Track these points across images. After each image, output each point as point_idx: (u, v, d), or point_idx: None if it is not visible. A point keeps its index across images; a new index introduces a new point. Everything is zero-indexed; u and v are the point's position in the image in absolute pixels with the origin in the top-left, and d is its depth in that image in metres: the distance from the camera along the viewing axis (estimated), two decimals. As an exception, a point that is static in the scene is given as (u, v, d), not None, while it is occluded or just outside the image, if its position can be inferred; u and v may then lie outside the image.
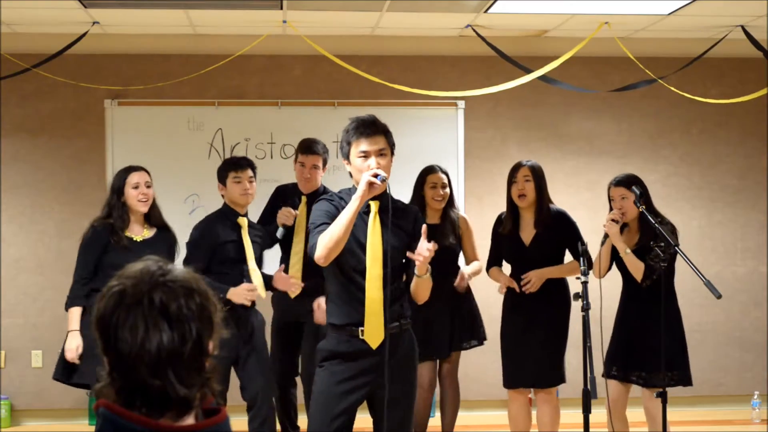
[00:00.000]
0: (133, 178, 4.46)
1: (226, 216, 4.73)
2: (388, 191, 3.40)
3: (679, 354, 4.50)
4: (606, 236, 4.51)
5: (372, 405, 3.53)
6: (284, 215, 4.99)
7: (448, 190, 5.02)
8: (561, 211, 4.81)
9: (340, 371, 3.44)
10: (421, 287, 3.48)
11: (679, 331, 4.53)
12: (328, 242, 3.31)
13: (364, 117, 3.48)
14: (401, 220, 3.50)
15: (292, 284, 4.74)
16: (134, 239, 4.44)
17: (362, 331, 3.42)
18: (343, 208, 3.39)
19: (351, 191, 3.48)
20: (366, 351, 3.42)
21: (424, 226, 3.39)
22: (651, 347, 4.46)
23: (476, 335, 5.06)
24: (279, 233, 4.99)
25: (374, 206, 3.46)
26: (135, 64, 6.35)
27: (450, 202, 5.05)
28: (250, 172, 4.71)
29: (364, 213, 3.45)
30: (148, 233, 4.50)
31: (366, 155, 3.40)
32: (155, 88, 6.17)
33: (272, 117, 6.40)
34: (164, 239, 4.54)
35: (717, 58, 6.31)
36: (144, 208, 4.47)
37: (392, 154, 3.51)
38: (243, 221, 4.72)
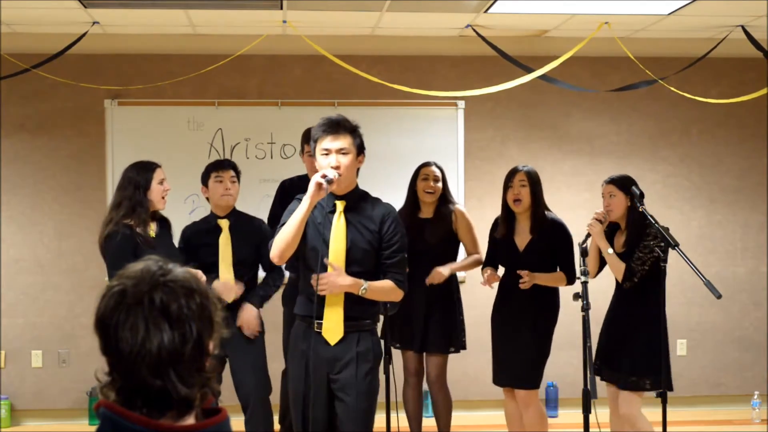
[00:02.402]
0: (159, 174, 4.40)
1: (208, 220, 4.75)
2: (329, 191, 3.45)
3: (656, 358, 4.41)
4: (586, 237, 4.51)
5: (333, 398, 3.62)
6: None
7: (440, 184, 5.01)
8: (559, 222, 4.80)
9: (300, 368, 3.57)
10: (371, 297, 3.56)
11: (656, 336, 4.44)
12: (280, 243, 3.47)
13: (332, 116, 3.57)
14: (367, 219, 3.57)
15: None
16: (151, 235, 4.38)
17: (318, 324, 3.53)
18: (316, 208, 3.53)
19: None
20: (321, 346, 3.53)
21: (332, 262, 3.46)
22: (626, 349, 4.49)
23: (454, 342, 5.03)
24: None
25: (340, 205, 3.55)
26: (135, 64, 6.35)
27: (444, 198, 5.04)
28: (231, 173, 4.68)
29: (330, 212, 3.56)
30: (155, 227, 4.43)
31: (327, 152, 3.50)
32: (155, 88, 6.17)
33: (272, 117, 6.39)
34: (167, 231, 4.52)
35: (717, 58, 6.31)
36: (164, 205, 4.42)
37: (361, 153, 3.58)
38: (224, 223, 4.68)
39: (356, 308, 3.53)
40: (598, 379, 3.92)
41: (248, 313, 4.61)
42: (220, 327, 1.61)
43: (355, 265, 3.50)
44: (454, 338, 5.02)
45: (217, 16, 5.61)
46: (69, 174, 6.38)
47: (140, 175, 4.36)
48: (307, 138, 5.12)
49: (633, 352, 4.44)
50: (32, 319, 6.36)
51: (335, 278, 3.46)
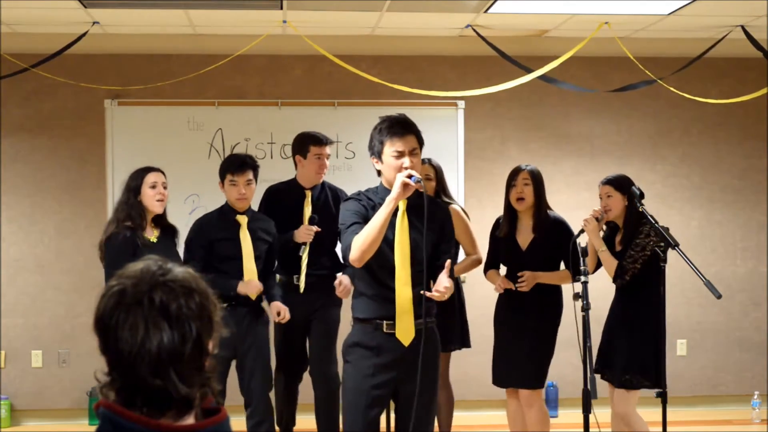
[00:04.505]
0: (151, 177, 4.44)
1: (225, 213, 4.76)
2: (424, 191, 3.41)
3: (649, 357, 4.44)
4: (580, 232, 4.53)
5: (396, 398, 3.59)
6: (305, 233, 4.93)
7: (434, 183, 4.98)
8: (560, 219, 4.81)
9: (365, 366, 3.51)
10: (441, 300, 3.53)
11: (650, 334, 4.46)
12: (362, 244, 3.37)
13: (395, 116, 3.53)
14: (429, 219, 3.50)
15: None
16: (151, 240, 4.43)
17: (388, 324, 3.48)
18: (371, 206, 3.45)
19: (378, 190, 3.55)
20: (389, 344, 3.48)
21: (448, 261, 3.40)
22: (619, 347, 4.52)
23: (455, 339, 5.03)
24: (302, 251, 4.95)
25: (402, 205, 3.49)
26: (135, 64, 6.35)
27: (438, 196, 5.00)
28: (249, 175, 4.70)
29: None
30: (157, 233, 4.49)
31: (400, 154, 3.44)
32: (155, 88, 6.17)
33: (272, 117, 6.39)
34: (171, 239, 4.56)
35: (717, 58, 6.31)
36: (160, 209, 4.46)
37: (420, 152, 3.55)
38: (242, 219, 4.73)
39: (423, 306, 3.51)
40: (598, 378, 3.93)
41: (280, 305, 4.75)
42: (220, 326, 1.61)
43: (419, 266, 3.46)
44: (455, 336, 5.02)
45: (217, 16, 5.61)
46: (69, 174, 6.39)
47: (133, 179, 4.47)
48: (317, 141, 5.10)
49: (626, 351, 4.47)
50: (32, 319, 6.36)
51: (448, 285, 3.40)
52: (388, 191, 3.44)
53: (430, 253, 3.48)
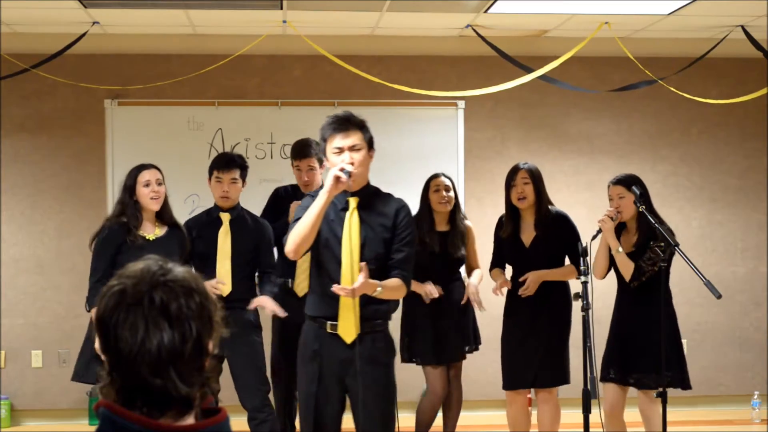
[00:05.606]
0: (144, 176, 4.44)
1: (210, 213, 4.80)
2: (350, 187, 3.41)
3: (673, 356, 4.46)
4: (597, 233, 4.50)
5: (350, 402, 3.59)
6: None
7: (452, 193, 5.01)
8: (562, 214, 4.81)
9: (311, 370, 3.52)
10: (383, 296, 3.48)
11: (672, 333, 4.49)
12: (296, 237, 3.40)
13: (338, 113, 3.54)
14: (381, 215, 3.52)
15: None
16: (147, 238, 4.42)
17: (331, 325, 3.48)
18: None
19: None
20: (332, 346, 3.48)
21: (363, 264, 3.35)
22: (644, 348, 4.47)
23: (477, 341, 5.15)
24: None
25: (353, 202, 3.50)
26: (135, 64, 6.35)
27: (458, 208, 5.03)
28: (234, 173, 4.69)
29: (342, 209, 3.49)
30: (159, 232, 4.48)
31: (340, 151, 3.45)
32: (155, 88, 6.17)
33: (272, 117, 6.40)
34: (176, 237, 4.52)
35: (717, 59, 6.31)
36: (156, 207, 4.45)
37: (371, 148, 3.54)
38: (225, 217, 4.72)
39: (370, 308, 3.47)
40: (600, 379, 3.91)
41: (267, 299, 4.63)
42: (220, 326, 1.61)
43: (369, 263, 3.41)
44: (476, 336, 5.12)
45: (217, 16, 5.61)
46: (69, 174, 6.39)
47: (128, 179, 4.48)
48: (296, 153, 5.10)
49: (653, 351, 4.37)
50: (32, 319, 6.36)
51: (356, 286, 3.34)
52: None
53: (383, 252, 3.47)
